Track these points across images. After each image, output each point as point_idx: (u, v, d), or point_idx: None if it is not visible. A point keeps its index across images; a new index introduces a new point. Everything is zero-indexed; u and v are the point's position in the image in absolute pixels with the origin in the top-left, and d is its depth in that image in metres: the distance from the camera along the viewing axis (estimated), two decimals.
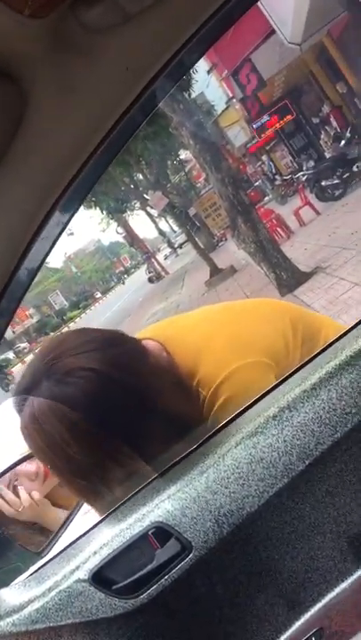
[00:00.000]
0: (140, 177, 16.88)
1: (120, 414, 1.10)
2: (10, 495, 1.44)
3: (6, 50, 0.62)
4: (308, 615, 1.08)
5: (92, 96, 0.76)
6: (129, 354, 1.16)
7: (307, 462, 1.00)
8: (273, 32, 11.10)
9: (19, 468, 1.46)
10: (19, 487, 1.46)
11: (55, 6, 0.62)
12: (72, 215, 0.99)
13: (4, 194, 0.86)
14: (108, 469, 1.13)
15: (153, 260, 25.29)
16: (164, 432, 1.14)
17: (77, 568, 1.08)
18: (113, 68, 0.75)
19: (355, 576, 1.06)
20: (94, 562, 1.07)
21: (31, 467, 1.46)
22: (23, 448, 1.22)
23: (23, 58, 0.64)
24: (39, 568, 1.18)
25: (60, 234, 1.00)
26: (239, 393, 1.10)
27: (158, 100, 0.90)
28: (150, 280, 24.06)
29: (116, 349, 1.14)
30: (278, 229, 10.40)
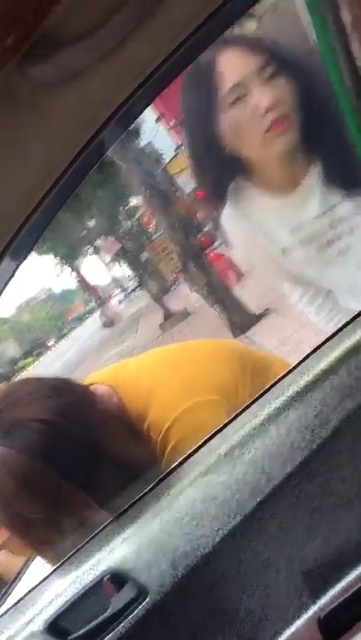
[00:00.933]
0: (92, 224, 17.00)
1: (71, 463, 1.10)
2: None
3: None
4: None
5: (40, 146, 0.79)
6: (77, 402, 1.15)
7: (258, 499, 1.01)
8: None
9: None
10: None
11: (2, 63, 0.66)
12: (21, 262, 1.01)
13: None
14: (59, 520, 1.12)
15: (106, 305, 25.30)
16: (116, 477, 1.14)
17: (31, 620, 1.06)
18: (60, 120, 0.78)
19: (311, 611, 1.07)
20: (49, 612, 1.05)
21: None
22: None
23: None
24: None
25: (8, 281, 1.01)
26: (190, 434, 1.11)
27: (106, 149, 0.94)
28: (105, 325, 23.98)
29: (64, 398, 1.13)
30: (229, 272, 10.59)
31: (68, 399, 1.14)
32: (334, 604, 1.05)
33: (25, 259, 1.01)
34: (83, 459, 1.10)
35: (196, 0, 0.77)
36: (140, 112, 0.93)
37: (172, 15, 0.76)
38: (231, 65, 1.24)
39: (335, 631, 1.04)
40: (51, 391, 1.13)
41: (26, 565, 1.41)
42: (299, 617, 1.07)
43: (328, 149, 1.33)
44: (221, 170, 1.36)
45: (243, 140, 1.28)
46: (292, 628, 1.07)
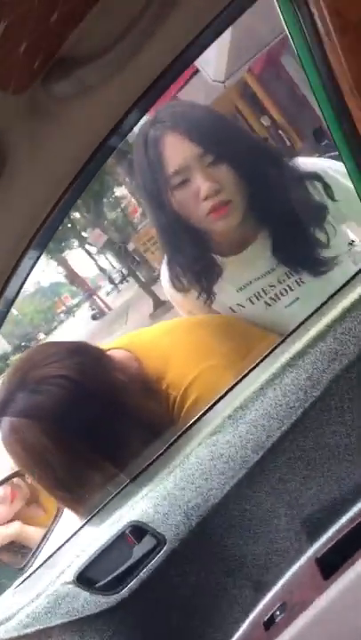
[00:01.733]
0: (77, 215, 16.99)
1: (94, 419, 1.20)
2: None
3: None
4: (272, 593, 1.21)
5: (58, 152, 0.91)
6: (95, 360, 1.27)
7: (260, 454, 1.14)
8: (197, 71, 11.53)
9: None
10: None
11: (31, 83, 0.77)
12: (41, 253, 1.12)
13: None
14: (87, 474, 1.24)
15: (95, 297, 25.27)
16: (136, 434, 1.24)
17: (62, 572, 1.19)
18: (75, 129, 0.90)
19: (309, 553, 1.21)
20: (77, 564, 1.17)
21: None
22: None
23: (5, 127, 0.78)
24: (24, 580, 1.27)
25: (30, 271, 1.12)
26: (207, 391, 1.22)
27: (111, 152, 1.06)
28: (94, 317, 23.96)
29: (83, 357, 1.25)
30: None
31: (86, 358, 1.25)
32: (330, 545, 1.19)
33: (42, 252, 1.12)
34: (104, 416, 1.20)
35: (198, 11, 0.88)
36: (140, 119, 1.04)
37: (175, 28, 0.88)
38: (174, 149, 1.28)
39: (331, 568, 1.18)
40: (69, 352, 1.25)
41: (49, 532, 1.53)
42: (299, 558, 1.21)
43: (276, 229, 1.39)
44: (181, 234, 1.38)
45: (190, 216, 1.32)
46: (294, 569, 1.21)
